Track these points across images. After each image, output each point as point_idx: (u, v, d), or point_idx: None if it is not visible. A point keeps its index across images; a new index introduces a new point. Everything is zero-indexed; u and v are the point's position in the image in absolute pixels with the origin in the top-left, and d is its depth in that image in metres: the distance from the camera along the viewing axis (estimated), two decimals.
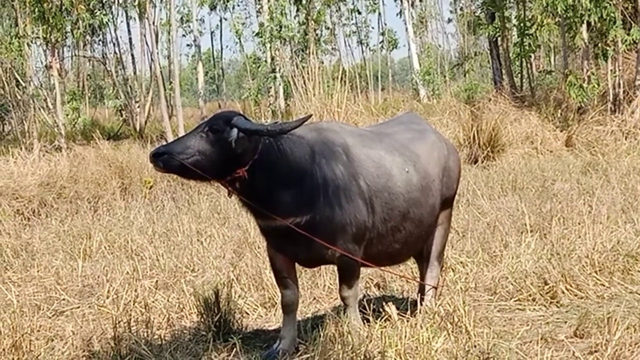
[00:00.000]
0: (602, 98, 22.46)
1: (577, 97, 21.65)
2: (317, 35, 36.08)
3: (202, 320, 7.99)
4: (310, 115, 7.37)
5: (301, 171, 6.97)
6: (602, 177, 14.89)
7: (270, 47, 33.61)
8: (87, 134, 29.10)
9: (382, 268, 8.56)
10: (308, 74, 19.24)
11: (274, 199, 6.90)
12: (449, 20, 58.06)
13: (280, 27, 32.65)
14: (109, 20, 33.16)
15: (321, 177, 7.01)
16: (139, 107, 33.17)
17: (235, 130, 6.72)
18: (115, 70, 35.10)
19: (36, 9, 25.41)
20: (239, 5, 44.62)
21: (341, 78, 19.09)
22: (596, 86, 21.93)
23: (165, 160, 6.72)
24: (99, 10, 31.83)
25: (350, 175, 7.14)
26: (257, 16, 39.97)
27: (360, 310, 7.38)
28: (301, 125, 6.92)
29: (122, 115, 34.93)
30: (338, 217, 7.02)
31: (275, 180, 6.90)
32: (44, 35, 26.54)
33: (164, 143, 7.26)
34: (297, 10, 36.52)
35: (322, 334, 6.86)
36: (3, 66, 25.37)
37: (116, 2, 34.74)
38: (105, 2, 33.37)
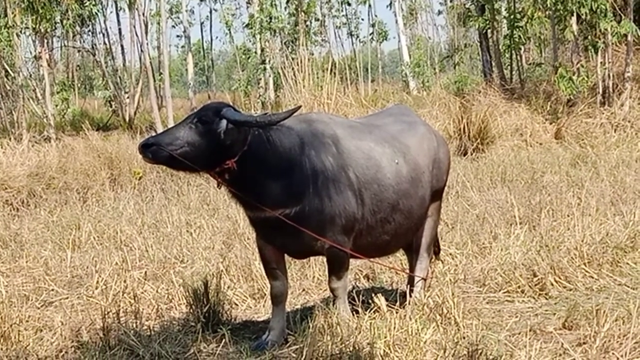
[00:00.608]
0: (592, 90, 22.47)
1: (567, 90, 21.65)
2: (307, 26, 36.02)
3: (191, 311, 7.98)
4: (300, 107, 7.37)
5: (290, 162, 6.96)
6: (591, 170, 14.91)
7: (260, 39, 33.59)
8: (76, 124, 29.06)
9: (372, 259, 8.56)
10: (298, 65, 19.23)
11: (263, 190, 6.90)
12: (439, 12, 58.10)
13: (270, 18, 32.61)
14: (98, 10, 33.10)
15: (310, 168, 7.01)
16: (128, 98, 33.13)
17: (224, 122, 6.71)
18: (104, 61, 35.03)
19: None
20: None
21: (331, 69, 19.10)
22: (586, 79, 21.94)
23: (154, 151, 6.71)
24: (89, 0, 31.74)
25: (340, 167, 7.14)
26: (247, 7, 39.86)
27: (349, 302, 7.39)
28: (290, 116, 6.92)
29: (111, 106, 34.85)
30: (327, 208, 7.02)
31: (265, 171, 6.89)
32: (33, 26, 26.47)
33: (153, 134, 7.22)
34: (287, 1, 36.48)
35: (311, 325, 6.87)
36: None
37: None
38: None
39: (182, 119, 7.16)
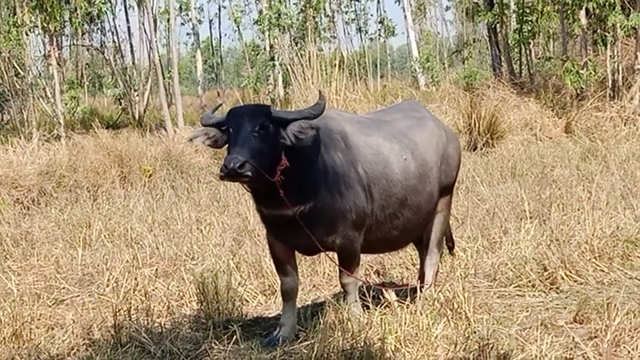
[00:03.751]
0: (601, 84, 22.41)
1: (573, 84, 21.59)
2: (316, 22, 35.98)
3: (202, 308, 8.01)
4: (321, 92, 7.28)
5: (306, 158, 6.96)
6: (601, 163, 14.88)
7: (269, 35, 33.61)
8: (86, 122, 29.10)
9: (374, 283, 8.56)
10: (307, 61, 19.19)
11: (288, 187, 6.87)
12: (448, 8, 58.17)
13: (279, 14, 32.61)
14: (107, 9, 33.07)
15: (322, 164, 7.01)
16: (137, 95, 33.12)
17: (308, 124, 6.76)
18: (114, 59, 35.02)
19: None
20: None
21: (340, 65, 19.07)
22: (593, 72, 21.88)
23: (251, 169, 6.54)
24: None
25: (349, 162, 7.15)
26: (256, 4, 39.85)
27: (360, 297, 7.39)
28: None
29: (121, 104, 34.85)
30: (338, 203, 7.04)
31: (291, 168, 6.88)
32: (43, 24, 26.53)
33: (228, 155, 6.60)
34: None
35: (322, 321, 6.88)
36: (2, 55, 25.28)
37: None
38: None
39: (235, 131, 6.73)
